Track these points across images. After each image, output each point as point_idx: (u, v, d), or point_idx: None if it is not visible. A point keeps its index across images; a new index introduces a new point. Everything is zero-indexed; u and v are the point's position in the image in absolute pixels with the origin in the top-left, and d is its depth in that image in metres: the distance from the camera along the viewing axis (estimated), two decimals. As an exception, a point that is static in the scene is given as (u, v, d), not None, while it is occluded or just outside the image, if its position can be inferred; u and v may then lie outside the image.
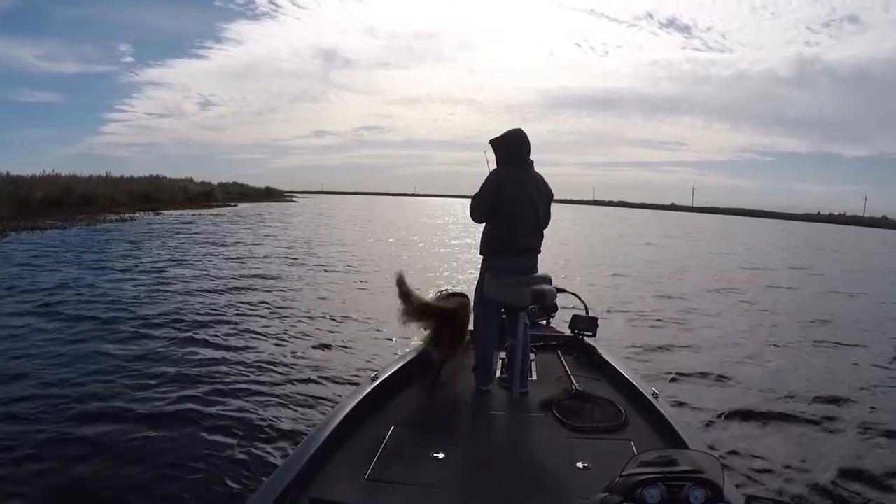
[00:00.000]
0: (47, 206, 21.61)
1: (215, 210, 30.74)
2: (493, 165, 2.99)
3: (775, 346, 6.15)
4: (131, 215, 22.10)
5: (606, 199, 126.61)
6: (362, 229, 22.52)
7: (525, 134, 2.96)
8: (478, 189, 2.95)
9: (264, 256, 12.28)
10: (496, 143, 2.97)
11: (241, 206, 37.95)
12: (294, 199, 64.46)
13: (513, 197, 2.86)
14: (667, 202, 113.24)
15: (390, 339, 5.41)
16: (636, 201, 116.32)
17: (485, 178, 2.94)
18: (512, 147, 2.94)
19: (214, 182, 46.06)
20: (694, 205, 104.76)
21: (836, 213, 75.25)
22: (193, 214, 25.61)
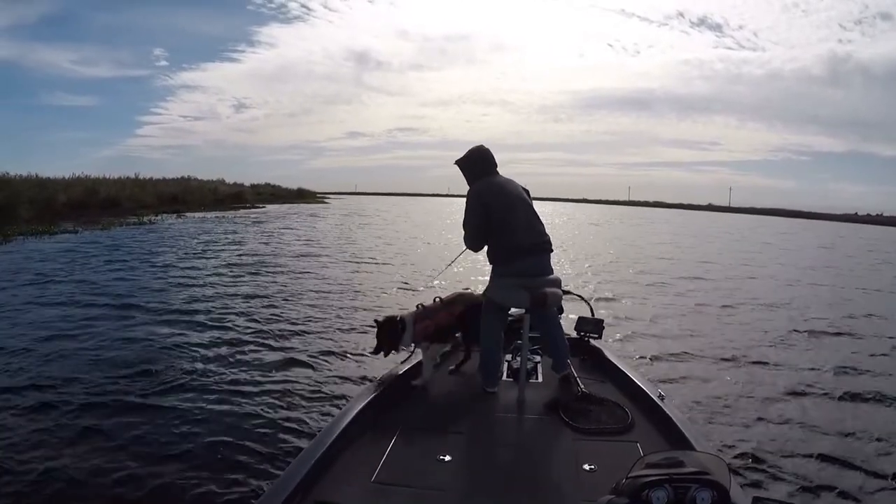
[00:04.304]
0: (72, 208, 21.53)
1: (241, 212, 30.44)
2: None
3: (785, 347, 5.96)
4: (151, 218, 21.82)
5: (642, 199, 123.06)
6: (391, 230, 21.66)
7: (487, 147, 2.99)
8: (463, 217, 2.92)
9: (273, 255, 12.17)
10: (463, 163, 2.97)
11: (270, 207, 37.75)
12: (326, 200, 64.52)
13: (500, 201, 2.83)
14: (703, 202, 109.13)
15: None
16: (672, 201, 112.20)
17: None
18: (478, 160, 2.95)
19: (247, 183, 46.32)
20: (731, 205, 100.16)
21: (873, 213, 70.80)
22: (216, 217, 25.27)
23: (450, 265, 3.91)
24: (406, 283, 9.18)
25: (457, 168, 2.97)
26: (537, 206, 3.04)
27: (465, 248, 3.05)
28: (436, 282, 7.98)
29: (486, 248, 2.91)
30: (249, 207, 35.69)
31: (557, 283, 2.88)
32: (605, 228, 30.59)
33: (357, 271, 10.49)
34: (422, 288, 8.24)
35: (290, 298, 7.57)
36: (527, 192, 3.00)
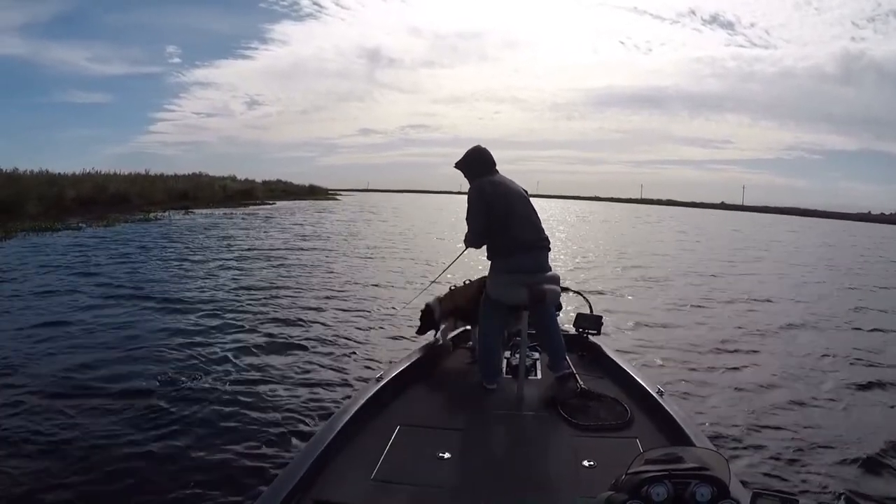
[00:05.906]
0: (80, 204, 21.42)
1: (251, 209, 30.24)
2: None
3: (785, 343, 5.91)
4: (157, 215, 21.68)
5: (655, 197, 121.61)
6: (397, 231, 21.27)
7: (484, 147, 3.01)
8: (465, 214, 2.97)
9: (275, 250, 12.17)
10: (463, 164, 2.99)
11: (280, 203, 37.66)
12: (337, 196, 64.54)
13: (500, 199, 2.85)
14: (716, 201, 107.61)
15: (395, 339, 5.31)
16: (685, 200, 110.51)
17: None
18: (477, 160, 2.98)
19: (259, 180, 46.15)
20: (745, 203, 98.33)
21: (887, 212, 69.85)
22: (224, 213, 25.10)
23: (446, 269, 3.76)
24: (411, 280, 8.95)
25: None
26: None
27: (465, 248, 3.05)
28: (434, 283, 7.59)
29: (486, 247, 2.93)
30: (259, 204, 35.54)
31: (555, 279, 2.88)
32: (615, 226, 30.05)
33: (361, 267, 10.32)
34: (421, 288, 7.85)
35: (288, 295, 7.42)
36: (525, 192, 3.03)
